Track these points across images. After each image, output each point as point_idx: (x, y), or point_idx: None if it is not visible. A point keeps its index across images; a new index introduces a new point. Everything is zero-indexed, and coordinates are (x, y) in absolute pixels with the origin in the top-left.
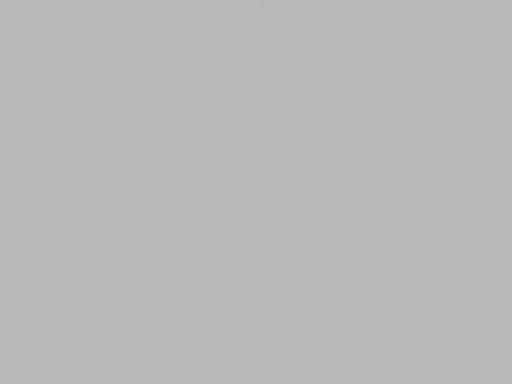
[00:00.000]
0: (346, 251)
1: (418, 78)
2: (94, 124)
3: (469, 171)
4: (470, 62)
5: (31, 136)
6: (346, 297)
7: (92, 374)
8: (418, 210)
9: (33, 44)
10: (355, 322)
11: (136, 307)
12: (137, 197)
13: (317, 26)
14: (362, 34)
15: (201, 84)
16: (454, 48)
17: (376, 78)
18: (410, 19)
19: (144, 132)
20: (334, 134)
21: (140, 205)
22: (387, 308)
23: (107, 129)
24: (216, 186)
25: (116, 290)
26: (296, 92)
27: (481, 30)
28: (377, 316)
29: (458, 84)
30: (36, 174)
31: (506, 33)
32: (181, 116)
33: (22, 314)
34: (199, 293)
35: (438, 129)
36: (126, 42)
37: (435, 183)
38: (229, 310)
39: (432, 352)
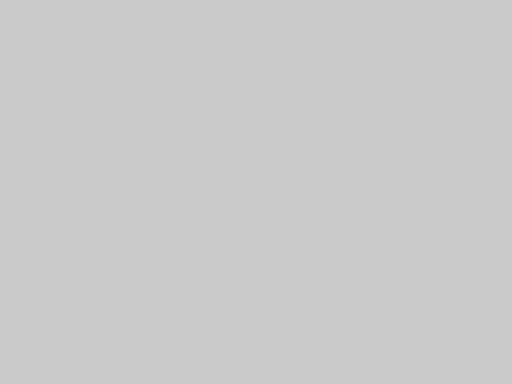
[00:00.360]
0: (347, 251)
1: (418, 80)
2: (94, 124)
3: (469, 171)
4: (470, 63)
5: (30, 136)
6: (346, 297)
7: (92, 374)
8: (418, 211)
9: (22, 44)
10: (355, 323)
11: (136, 307)
12: (137, 197)
13: (319, 28)
14: (363, 36)
15: (201, 84)
16: (454, 48)
17: (377, 81)
18: (411, 20)
19: (144, 132)
20: (335, 136)
21: (140, 205)
22: (387, 308)
23: (107, 129)
24: (216, 187)
25: (116, 289)
26: (297, 93)
27: (481, 30)
28: (377, 316)
29: (458, 84)
30: (36, 175)
31: (506, 33)
32: (181, 116)
33: (22, 314)
34: (199, 293)
35: (438, 129)
36: (125, 41)
37: (435, 183)
38: (228, 310)
39: (432, 352)
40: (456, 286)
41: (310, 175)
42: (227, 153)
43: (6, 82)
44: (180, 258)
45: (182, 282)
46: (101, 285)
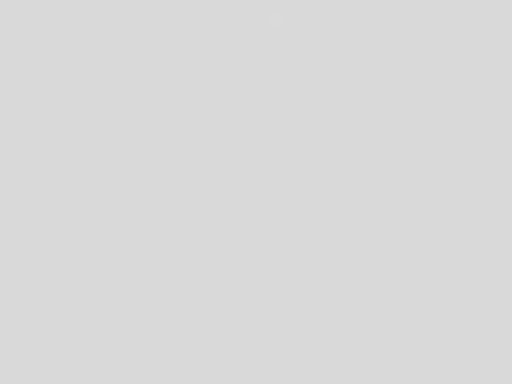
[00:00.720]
0: (347, 251)
1: (418, 80)
2: (94, 124)
3: (469, 171)
4: (470, 63)
5: (30, 136)
6: (346, 297)
7: (92, 374)
8: (418, 211)
9: (22, 44)
10: (355, 323)
11: (136, 306)
12: (137, 197)
13: (319, 28)
14: (363, 36)
15: (201, 84)
16: (454, 48)
17: (377, 81)
18: (411, 21)
19: (144, 132)
20: (335, 136)
21: (140, 205)
22: (387, 308)
23: (107, 129)
24: (216, 187)
25: (115, 289)
26: (297, 94)
27: (481, 30)
28: (377, 316)
29: (458, 84)
30: (36, 175)
31: (506, 33)
32: (181, 116)
33: (22, 314)
34: (199, 293)
35: (438, 130)
36: (125, 42)
37: (435, 184)
38: (228, 310)
39: (432, 352)
40: (456, 286)
41: (310, 175)
42: (227, 153)
43: (7, 82)
44: (180, 258)
45: (181, 282)
46: (101, 285)
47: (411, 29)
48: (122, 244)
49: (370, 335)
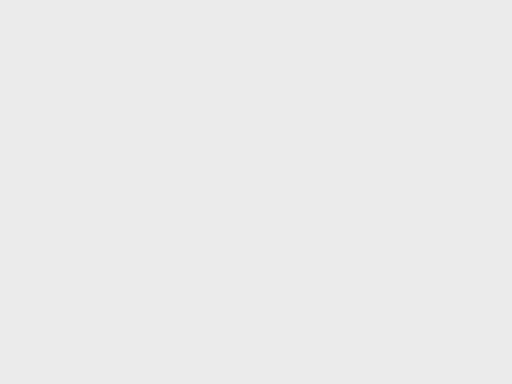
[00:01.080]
0: (346, 252)
1: (418, 80)
2: (94, 124)
3: (469, 171)
4: (470, 63)
5: (30, 136)
6: (346, 297)
7: (92, 374)
8: (418, 211)
9: (22, 44)
10: (355, 322)
11: (136, 307)
12: (137, 197)
13: (319, 28)
14: (363, 36)
15: (201, 84)
16: (454, 48)
17: (377, 81)
18: (411, 21)
19: (144, 132)
20: (335, 136)
21: (140, 205)
22: (387, 308)
23: (107, 129)
24: (216, 187)
25: (116, 289)
26: (297, 93)
27: (481, 30)
28: (377, 316)
29: (458, 84)
30: (36, 175)
31: (506, 33)
32: (181, 116)
33: (22, 314)
34: (199, 293)
35: (437, 129)
36: (125, 42)
37: (435, 184)
38: (228, 310)
39: (432, 352)
40: (456, 286)
41: (310, 175)
42: (227, 153)
43: (6, 82)
44: (180, 258)
45: (182, 282)
46: (101, 285)
47: (411, 28)
48: (122, 244)
49: (370, 335)
